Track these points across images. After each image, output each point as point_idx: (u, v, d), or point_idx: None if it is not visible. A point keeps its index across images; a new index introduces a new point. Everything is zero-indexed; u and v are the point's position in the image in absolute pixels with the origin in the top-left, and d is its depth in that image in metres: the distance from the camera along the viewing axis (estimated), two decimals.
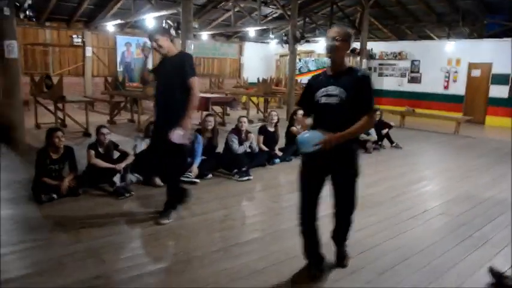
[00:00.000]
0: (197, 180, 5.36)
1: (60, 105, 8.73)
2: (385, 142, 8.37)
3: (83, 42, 13.66)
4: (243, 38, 17.23)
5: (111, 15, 12.93)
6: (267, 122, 7.09)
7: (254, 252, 3.42)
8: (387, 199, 5.04)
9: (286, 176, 6.05)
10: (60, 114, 8.95)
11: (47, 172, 4.63)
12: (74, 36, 13.39)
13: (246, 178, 5.62)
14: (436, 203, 4.94)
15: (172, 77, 3.82)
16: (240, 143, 6.13)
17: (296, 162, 6.61)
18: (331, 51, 2.80)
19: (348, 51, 2.92)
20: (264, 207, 4.76)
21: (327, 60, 3.02)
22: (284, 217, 4.31)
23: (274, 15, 14.97)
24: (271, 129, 6.85)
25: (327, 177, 2.93)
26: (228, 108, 11.08)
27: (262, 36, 16.89)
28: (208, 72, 16.94)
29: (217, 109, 11.23)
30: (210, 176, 5.66)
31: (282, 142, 7.13)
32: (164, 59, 3.97)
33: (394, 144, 8.35)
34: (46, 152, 4.66)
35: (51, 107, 8.85)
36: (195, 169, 5.43)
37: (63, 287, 2.77)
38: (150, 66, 4.27)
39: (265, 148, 6.65)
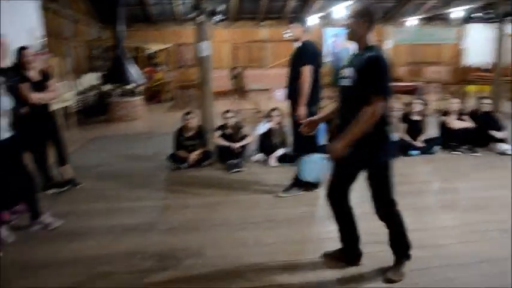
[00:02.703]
0: None
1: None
2: None
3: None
4: (465, 20, 15.50)
5: (317, 9, 13.79)
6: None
7: (277, 230, 3.67)
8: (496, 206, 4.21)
9: (410, 168, 5.64)
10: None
11: (183, 146, 5.80)
12: (286, 31, 14.82)
13: None
14: None
15: (293, 65, 4.31)
16: None
17: (440, 156, 6.13)
18: (347, 31, 2.68)
19: (368, 29, 2.61)
20: None
21: None
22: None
23: None
24: (416, 117, 6.43)
25: None
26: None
27: (489, 15, 14.81)
28: (421, 59, 16.01)
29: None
30: None
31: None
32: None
33: None
34: (181, 131, 5.84)
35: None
36: None
37: (112, 225, 3.76)
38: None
39: (407, 138, 6.32)
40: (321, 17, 14.09)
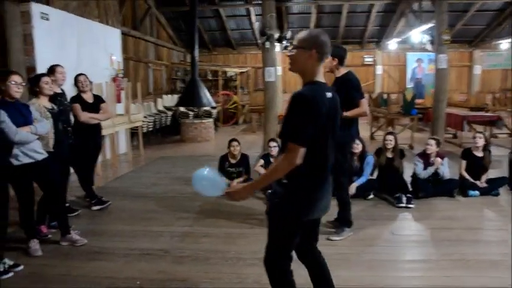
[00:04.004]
0: None
1: None
2: None
3: (374, 61, 14.65)
4: None
5: (397, 33, 13.32)
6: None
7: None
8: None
9: (462, 211, 5.12)
10: None
11: (226, 173, 5.91)
12: (366, 56, 14.54)
13: (404, 205, 5.22)
14: None
15: None
16: (425, 167, 5.70)
17: (504, 199, 5.51)
18: (290, 61, 2.29)
19: (316, 62, 2.21)
20: (368, 234, 4.35)
21: None
22: (365, 250, 3.97)
23: None
24: (479, 154, 5.88)
25: None
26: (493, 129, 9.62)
27: None
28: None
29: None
30: (371, 196, 5.60)
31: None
32: None
33: None
34: (226, 157, 5.96)
35: None
36: (352, 188, 5.48)
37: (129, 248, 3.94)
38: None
39: (466, 176, 5.79)
40: (401, 42, 13.58)
